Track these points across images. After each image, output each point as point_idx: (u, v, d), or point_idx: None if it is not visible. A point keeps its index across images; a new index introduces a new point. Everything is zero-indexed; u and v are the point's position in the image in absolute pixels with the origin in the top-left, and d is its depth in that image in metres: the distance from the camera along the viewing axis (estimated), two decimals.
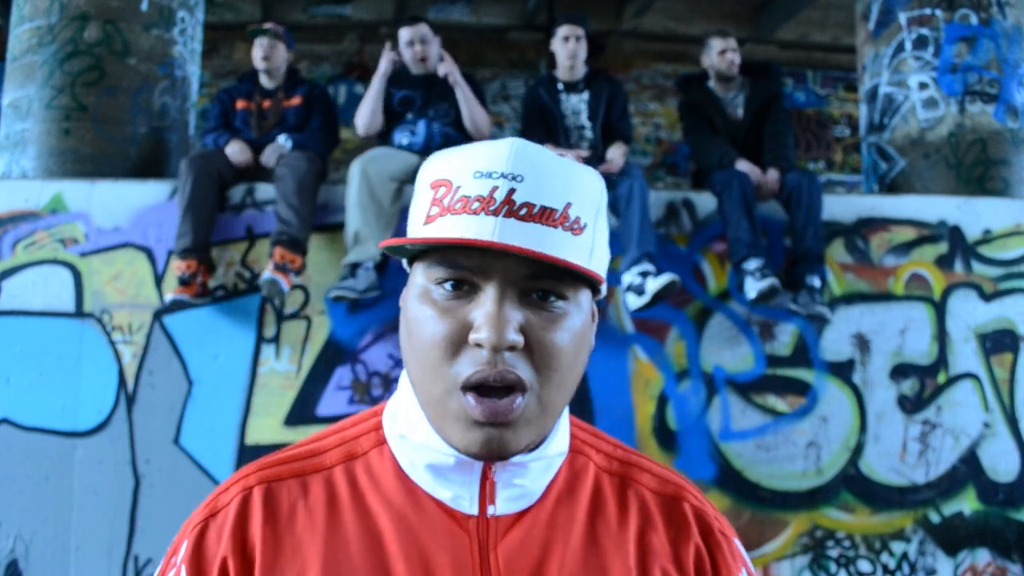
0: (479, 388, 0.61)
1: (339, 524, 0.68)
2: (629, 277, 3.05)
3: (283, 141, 3.36)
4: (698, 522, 0.73)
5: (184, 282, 3.06)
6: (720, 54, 3.61)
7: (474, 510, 0.67)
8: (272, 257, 3.04)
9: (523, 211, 0.60)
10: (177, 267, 3.07)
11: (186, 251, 3.05)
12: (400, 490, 0.68)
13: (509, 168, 0.61)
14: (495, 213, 0.60)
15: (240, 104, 3.51)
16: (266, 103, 3.49)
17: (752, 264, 3.13)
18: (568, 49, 3.47)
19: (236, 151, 3.33)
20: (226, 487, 0.71)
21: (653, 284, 2.95)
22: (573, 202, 0.62)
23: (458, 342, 0.61)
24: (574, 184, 0.63)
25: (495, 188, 0.60)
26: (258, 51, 3.51)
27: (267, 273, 3.00)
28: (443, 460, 0.66)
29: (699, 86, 3.71)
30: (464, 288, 0.62)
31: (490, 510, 0.67)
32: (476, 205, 0.60)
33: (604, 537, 0.70)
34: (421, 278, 0.65)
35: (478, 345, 0.60)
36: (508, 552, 0.66)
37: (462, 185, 0.61)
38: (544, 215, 0.60)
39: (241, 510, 0.68)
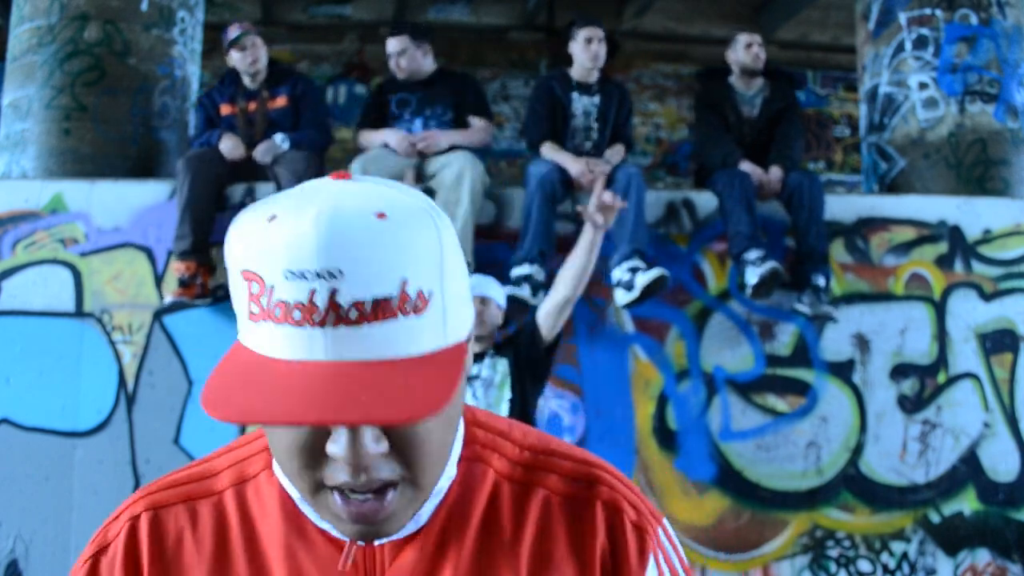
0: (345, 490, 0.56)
1: (226, 555, 0.65)
2: (619, 273, 3.05)
3: (280, 141, 3.30)
4: (608, 518, 0.67)
5: (184, 284, 3.06)
6: (747, 47, 3.58)
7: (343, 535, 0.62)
8: None
9: (353, 313, 0.50)
10: (176, 269, 3.07)
11: (185, 253, 3.05)
12: (286, 518, 0.65)
13: (323, 263, 0.49)
14: (321, 324, 0.50)
15: (225, 109, 3.43)
16: (251, 106, 3.42)
17: (753, 254, 3.12)
18: (591, 51, 3.44)
19: (229, 147, 3.26)
20: (115, 516, 0.69)
21: (642, 279, 2.96)
22: (409, 276, 0.51)
23: (317, 450, 0.55)
24: (404, 249, 0.52)
25: (313, 292, 0.50)
26: (246, 57, 3.38)
27: None
28: None
29: (720, 80, 3.69)
30: None
31: (376, 540, 0.61)
32: (298, 315, 0.50)
33: (496, 553, 0.65)
34: None
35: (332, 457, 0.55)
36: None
37: (275, 286, 0.51)
38: (379, 309, 0.50)
39: (129, 542, 0.66)
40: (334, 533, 0.63)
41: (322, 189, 0.54)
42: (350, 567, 0.63)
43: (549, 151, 3.35)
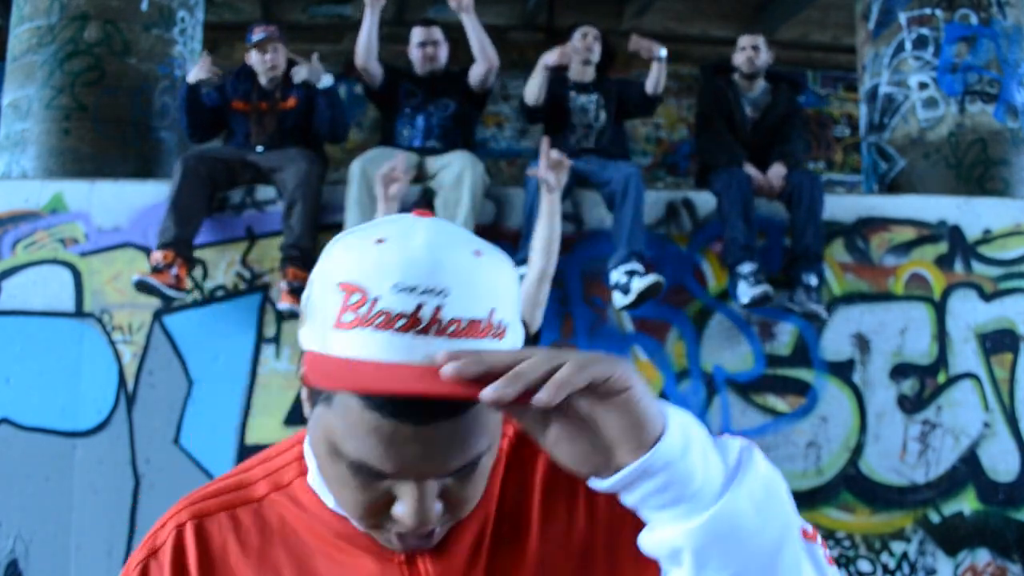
0: None
1: (271, 559, 0.69)
2: (616, 275, 3.06)
3: (327, 80, 3.35)
4: (529, 459, 0.73)
5: (157, 270, 2.96)
6: (741, 50, 3.63)
7: (393, 545, 0.65)
8: (285, 276, 3.04)
9: (451, 328, 0.55)
10: (154, 257, 3.00)
11: (166, 244, 2.99)
12: (326, 523, 0.68)
13: (433, 281, 0.55)
14: (423, 332, 0.55)
15: (238, 105, 3.42)
16: (263, 105, 3.41)
17: (746, 268, 3.13)
18: (586, 43, 3.54)
19: (195, 69, 3.29)
20: (162, 524, 0.72)
21: (638, 284, 2.96)
22: (496, 306, 0.58)
23: (380, 510, 0.60)
24: (496, 284, 0.59)
25: (420, 305, 0.55)
26: (266, 60, 3.37)
27: (283, 304, 3.03)
28: None
29: (724, 76, 3.70)
30: None
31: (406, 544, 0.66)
32: (401, 323, 0.55)
33: (519, 519, 0.71)
34: (333, 424, 0.58)
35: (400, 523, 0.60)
36: (433, 555, 0.67)
37: (380, 297, 0.55)
38: (472, 328, 0.56)
39: (177, 546, 0.69)
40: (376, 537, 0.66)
41: (418, 222, 0.61)
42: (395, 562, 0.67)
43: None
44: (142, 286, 2.94)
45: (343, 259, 0.59)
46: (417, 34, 3.54)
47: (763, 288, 3.07)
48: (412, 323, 0.55)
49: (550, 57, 3.35)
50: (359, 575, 0.66)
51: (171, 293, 2.97)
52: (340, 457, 0.58)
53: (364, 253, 0.58)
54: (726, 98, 3.62)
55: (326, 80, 3.37)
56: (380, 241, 0.58)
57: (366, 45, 3.38)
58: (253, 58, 3.41)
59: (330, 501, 0.67)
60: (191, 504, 0.72)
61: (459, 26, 3.47)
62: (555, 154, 2.69)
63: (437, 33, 3.55)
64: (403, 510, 0.58)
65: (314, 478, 0.69)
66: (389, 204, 2.76)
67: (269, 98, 3.40)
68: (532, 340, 2.70)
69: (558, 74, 3.53)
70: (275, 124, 3.37)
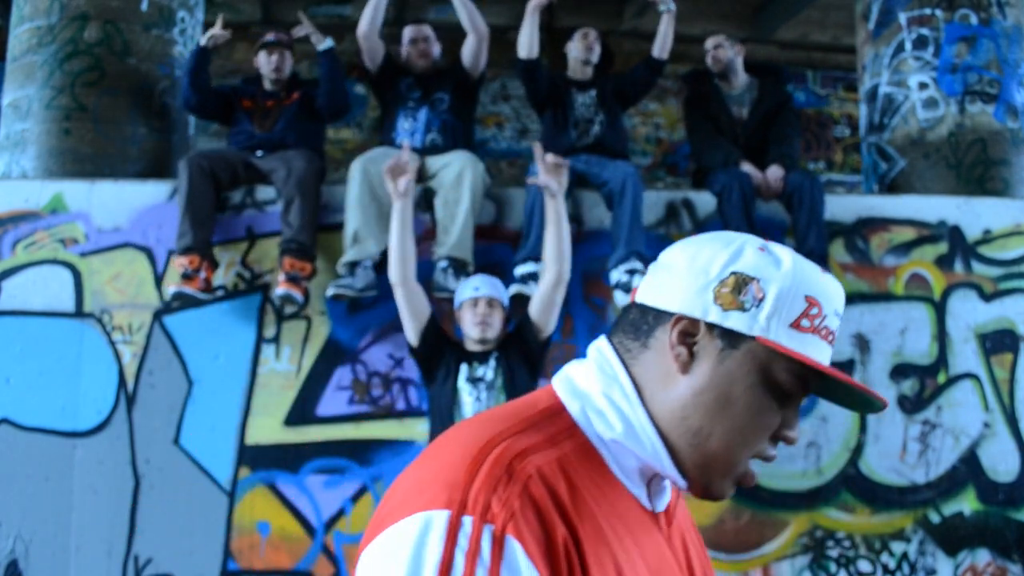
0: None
1: (595, 504, 0.71)
2: (617, 274, 3.06)
3: (327, 42, 3.42)
4: None
5: (187, 276, 3.04)
6: (706, 52, 3.71)
7: (651, 507, 0.78)
8: (282, 267, 3.05)
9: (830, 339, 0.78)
10: (179, 264, 3.06)
11: (188, 248, 3.05)
12: (609, 485, 0.74)
13: (842, 309, 0.78)
14: (831, 344, 0.77)
15: (246, 103, 3.51)
16: (268, 103, 3.49)
17: None
18: (586, 43, 3.59)
19: (209, 34, 3.42)
20: (506, 459, 0.67)
21: (638, 282, 2.96)
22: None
23: (770, 434, 0.76)
24: None
25: (837, 328, 0.78)
26: (271, 62, 3.48)
27: (280, 289, 3.03)
28: (652, 471, 0.77)
29: (706, 81, 3.72)
30: None
31: (658, 506, 0.79)
32: (831, 339, 0.77)
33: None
34: (772, 368, 0.74)
35: (784, 440, 0.78)
36: (671, 543, 0.80)
37: (828, 316, 0.76)
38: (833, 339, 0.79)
39: (545, 475, 0.68)
40: (640, 499, 0.77)
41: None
42: (657, 531, 0.78)
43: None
44: (180, 297, 3.01)
45: (819, 279, 0.76)
46: (408, 32, 3.62)
47: None
48: (833, 339, 0.77)
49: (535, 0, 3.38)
50: (641, 535, 0.75)
51: (203, 297, 3.06)
52: (775, 387, 0.74)
53: (826, 280, 0.77)
54: (710, 103, 3.64)
55: (327, 42, 3.45)
56: (824, 272, 0.78)
57: (371, 17, 3.46)
58: (261, 59, 3.51)
59: (612, 464, 0.75)
60: (521, 453, 0.69)
61: (459, 26, 3.49)
62: (551, 158, 2.69)
63: (428, 30, 3.64)
64: (793, 431, 0.77)
65: (600, 439, 0.75)
66: (404, 200, 2.77)
67: (274, 97, 3.50)
68: (543, 344, 2.70)
69: (558, 70, 3.55)
70: (277, 118, 3.44)
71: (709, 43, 3.71)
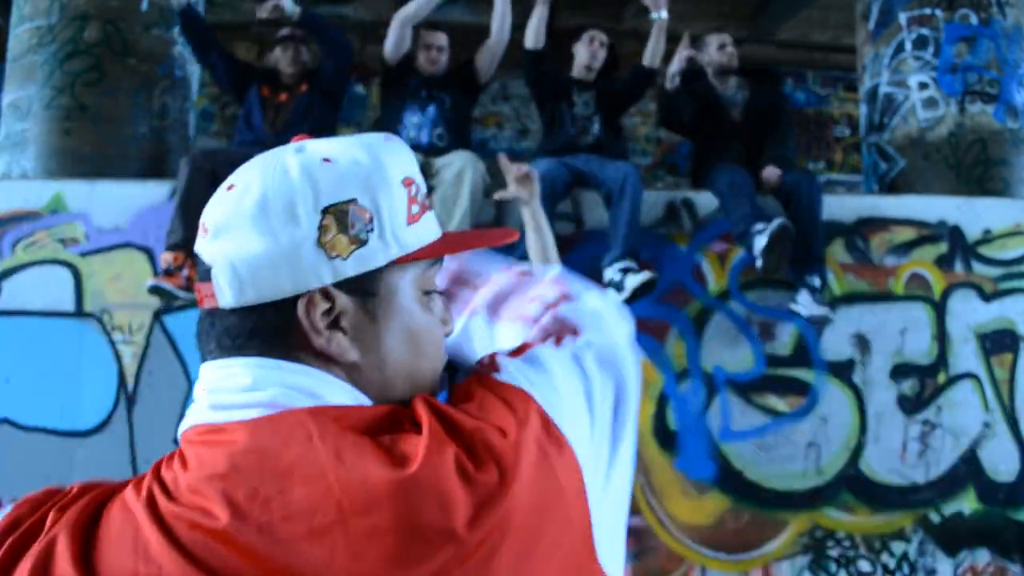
0: None
1: None
2: (610, 273, 3.05)
3: (294, 9, 3.44)
4: None
5: (168, 272, 2.99)
6: (719, 48, 3.66)
7: None
8: None
9: None
10: (164, 259, 3.02)
11: (175, 245, 3.02)
12: None
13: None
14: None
15: (265, 91, 3.58)
16: (282, 96, 3.56)
17: (758, 226, 3.08)
18: (591, 49, 3.60)
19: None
20: None
21: (632, 281, 2.96)
22: None
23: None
24: None
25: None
26: (286, 56, 3.60)
27: None
28: None
29: (699, 81, 3.69)
30: None
31: None
32: (427, 201, 0.67)
33: None
34: (423, 279, 0.67)
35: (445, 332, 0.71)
36: None
37: (418, 183, 0.66)
38: None
39: None
40: None
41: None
42: None
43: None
44: (155, 291, 2.98)
45: (403, 156, 0.65)
46: (425, 36, 3.65)
47: (779, 221, 3.01)
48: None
49: None
50: None
51: (183, 295, 3.02)
52: (426, 300, 0.67)
53: (391, 145, 0.65)
54: (710, 105, 3.62)
55: (294, 8, 3.47)
56: (386, 137, 0.67)
57: (422, 5, 3.51)
58: (276, 53, 3.64)
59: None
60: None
61: (459, 26, 3.50)
62: (516, 168, 2.68)
63: (443, 39, 3.69)
64: (449, 319, 0.72)
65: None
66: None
67: (288, 90, 3.58)
68: None
69: (559, 66, 3.56)
70: (289, 118, 3.50)
71: (716, 39, 3.68)
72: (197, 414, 0.63)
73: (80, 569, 0.54)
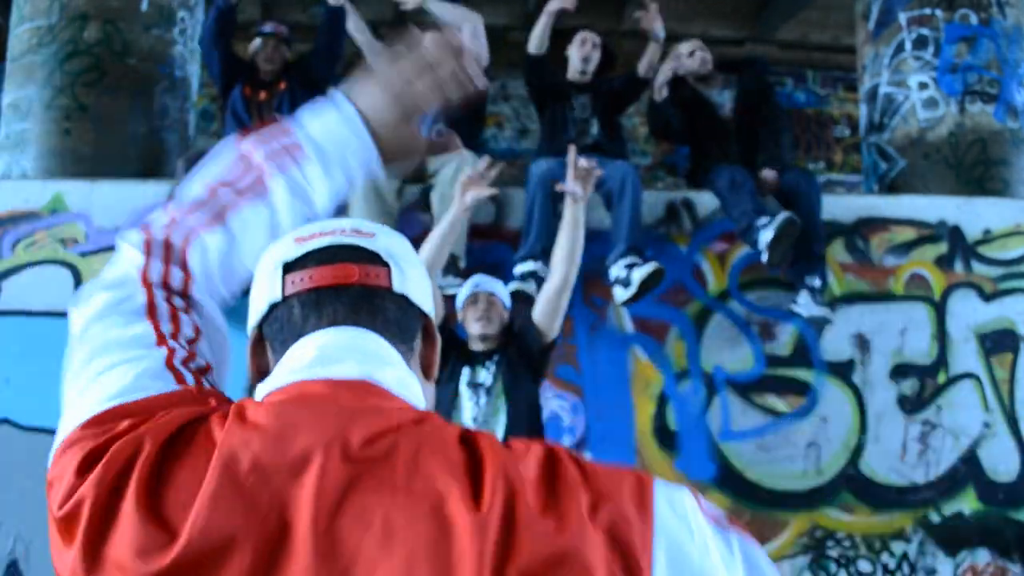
0: None
1: None
2: (616, 270, 3.05)
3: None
4: None
5: None
6: (689, 56, 3.60)
7: None
8: None
9: None
10: None
11: None
12: None
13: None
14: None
15: (246, 90, 3.53)
16: (261, 95, 3.51)
17: (762, 220, 3.08)
18: (583, 51, 3.57)
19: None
20: None
21: (638, 274, 2.95)
22: None
23: None
24: None
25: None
26: (265, 51, 3.53)
27: None
28: None
29: (688, 91, 3.65)
30: None
31: None
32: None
33: None
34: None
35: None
36: None
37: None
38: None
39: None
40: None
41: None
42: None
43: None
44: None
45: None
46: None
47: (784, 216, 3.00)
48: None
49: (555, 3, 3.40)
50: None
51: None
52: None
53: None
54: (692, 102, 3.60)
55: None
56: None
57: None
58: (255, 44, 3.56)
59: None
60: None
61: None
62: (583, 163, 2.67)
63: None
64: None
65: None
66: (465, 212, 2.71)
67: (268, 88, 3.53)
68: (546, 348, 2.69)
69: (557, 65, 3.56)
70: (272, 109, 3.46)
71: (685, 47, 3.61)
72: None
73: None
